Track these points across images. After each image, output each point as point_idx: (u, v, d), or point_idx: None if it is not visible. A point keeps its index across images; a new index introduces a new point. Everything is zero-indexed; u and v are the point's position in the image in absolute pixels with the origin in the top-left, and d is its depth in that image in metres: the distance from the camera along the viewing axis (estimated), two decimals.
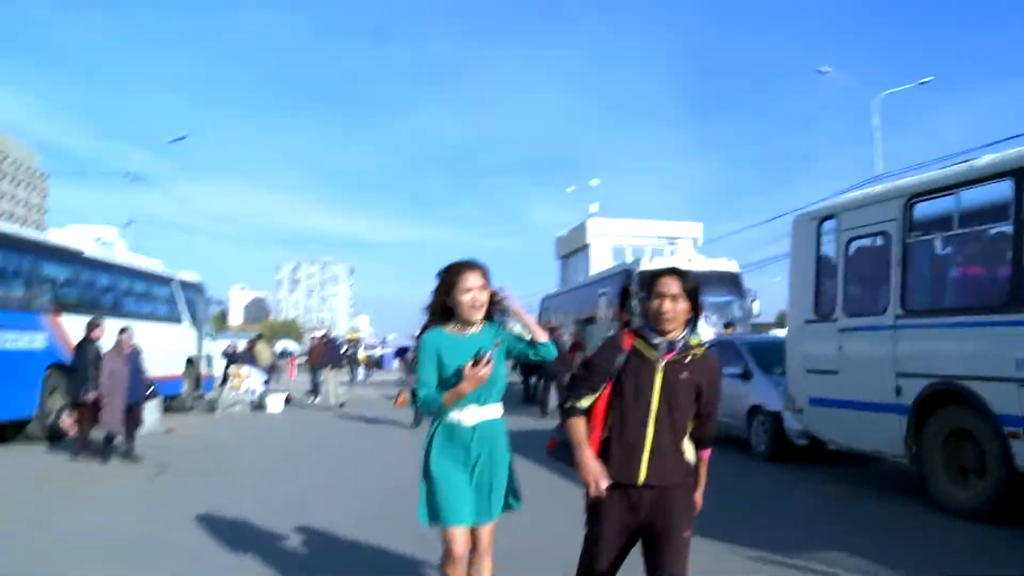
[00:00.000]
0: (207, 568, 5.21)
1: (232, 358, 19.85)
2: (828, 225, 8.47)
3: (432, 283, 3.71)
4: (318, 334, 25.74)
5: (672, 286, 3.27)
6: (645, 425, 3.27)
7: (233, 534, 6.05)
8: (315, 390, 20.51)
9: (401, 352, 24.05)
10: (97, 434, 9.96)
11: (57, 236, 14.14)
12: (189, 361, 17.45)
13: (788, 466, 9.30)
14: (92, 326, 10.30)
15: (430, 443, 3.67)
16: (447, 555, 3.56)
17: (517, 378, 20.41)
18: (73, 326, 11.56)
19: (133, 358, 9.96)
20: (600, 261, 29.83)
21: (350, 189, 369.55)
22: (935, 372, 6.88)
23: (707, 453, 3.43)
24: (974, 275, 6.99)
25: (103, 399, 9.55)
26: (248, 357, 20.30)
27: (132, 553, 5.57)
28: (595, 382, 3.37)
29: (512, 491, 3.72)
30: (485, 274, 3.67)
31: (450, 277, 3.64)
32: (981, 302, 6.73)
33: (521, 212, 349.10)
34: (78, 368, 9.97)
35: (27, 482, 8.47)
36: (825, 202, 9.05)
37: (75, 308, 12.25)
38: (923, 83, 27.89)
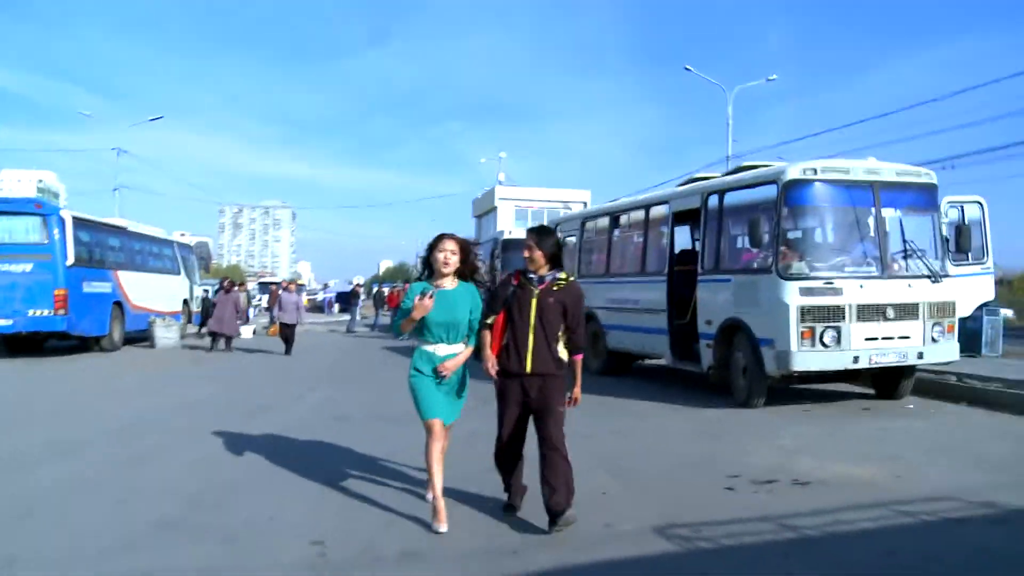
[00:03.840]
0: (273, 379, 12.45)
1: (205, 303, 25.13)
2: (559, 228, 15.93)
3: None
4: (275, 281, 32.93)
5: (529, 242, 4.72)
6: (527, 334, 4.63)
7: (259, 376, 13.51)
8: (272, 323, 27.50)
9: (340, 296, 31.11)
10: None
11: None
12: (184, 301, 24.09)
13: None
14: (225, 279, 18.85)
15: (414, 366, 4.79)
16: (430, 435, 4.71)
17: None
18: (124, 278, 18.59)
19: (234, 296, 18.07)
20: (506, 221, 36.15)
21: (296, 131, 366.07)
22: (591, 306, 14.32)
23: (579, 356, 4.78)
24: (599, 259, 14.51)
25: (217, 318, 17.61)
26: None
27: (227, 377, 12.88)
28: (496, 307, 4.74)
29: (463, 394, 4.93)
30: (458, 242, 4.74)
31: (433, 242, 4.76)
32: (598, 272, 14.28)
33: (467, 157, 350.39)
34: (212, 302, 18.12)
35: (159, 360, 15.96)
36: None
37: (122, 265, 19.09)
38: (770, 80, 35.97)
